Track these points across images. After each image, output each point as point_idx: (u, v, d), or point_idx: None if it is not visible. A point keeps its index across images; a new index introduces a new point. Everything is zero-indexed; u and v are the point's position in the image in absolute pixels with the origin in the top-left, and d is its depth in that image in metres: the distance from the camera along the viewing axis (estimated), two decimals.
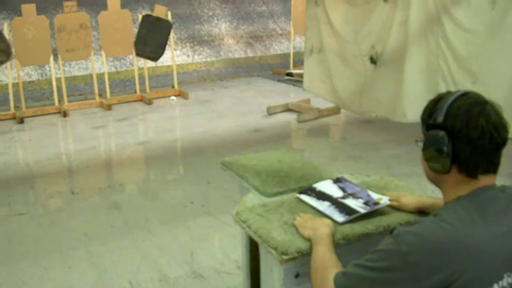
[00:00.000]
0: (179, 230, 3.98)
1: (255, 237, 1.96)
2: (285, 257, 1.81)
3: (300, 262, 1.85)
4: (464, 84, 4.52)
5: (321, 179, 2.43)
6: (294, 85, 8.61)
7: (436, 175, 1.65)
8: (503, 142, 1.55)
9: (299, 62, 9.23)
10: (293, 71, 9.11)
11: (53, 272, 3.47)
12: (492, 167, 1.57)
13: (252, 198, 2.28)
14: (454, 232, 1.46)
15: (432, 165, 1.63)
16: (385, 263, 1.49)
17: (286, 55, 9.96)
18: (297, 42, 9.97)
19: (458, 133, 1.54)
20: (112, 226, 4.08)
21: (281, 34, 10.60)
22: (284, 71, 9.41)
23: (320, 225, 1.90)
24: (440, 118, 1.57)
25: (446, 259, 1.42)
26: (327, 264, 1.71)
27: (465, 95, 1.59)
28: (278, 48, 10.43)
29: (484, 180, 1.57)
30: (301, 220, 1.98)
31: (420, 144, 1.68)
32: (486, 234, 1.46)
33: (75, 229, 4.06)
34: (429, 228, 1.49)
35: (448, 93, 1.63)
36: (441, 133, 1.56)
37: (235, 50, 10.05)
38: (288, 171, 2.52)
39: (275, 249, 1.84)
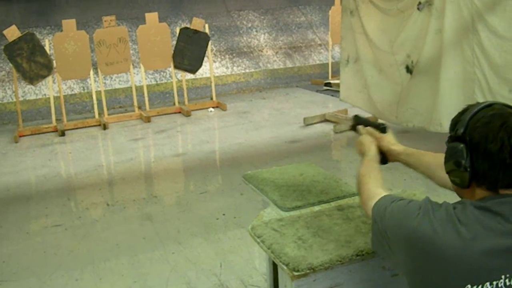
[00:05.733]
0: (209, 242, 3.99)
1: (268, 253, 1.95)
2: (296, 273, 1.79)
3: (312, 279, 1.83)
4: (501, 93, 4.40)
5: (342, 193, 2.40)
6: (332, 95, 8.56)
7: (457, 188, 1.61)
8: None
9: (337, 72, 9.15)
10: (332, 81, 9.05)
11: (84, 283, 3.53)
12: None
13: (270, 213, 2.27)
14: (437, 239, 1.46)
15: (452, 178, 1.59)
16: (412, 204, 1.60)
17: (325, 65, 9.92)
18: (335, 52, 9.90)
19: (477, 146, 1.49)
20: (144, 238, 4.13)
21: (320, 45, 10.57)
22: (322, 81, 9.37)
23: (367, 144, 2.15)
24: (460, 130, 1.53)
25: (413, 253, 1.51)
26: (366, 181, 1.89)
27: (490, 106, 1.54)
28: (317, 58, 10.40)
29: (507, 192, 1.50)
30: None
31: None
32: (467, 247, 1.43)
33: (108, 240, 4.13)
34: (437, 220, 1.49)
35: (476, 104, 1.58)
36: (461, 145, 1.52)
37: (274, 61, 10.07)
38: (309, 185, 2.50)
39: (287, 265, 1.82)
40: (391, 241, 1.60)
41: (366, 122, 2.26)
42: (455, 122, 1.59)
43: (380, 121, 6.53)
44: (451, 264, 1.43)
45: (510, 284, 1.41)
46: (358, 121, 2.30)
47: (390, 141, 2.16)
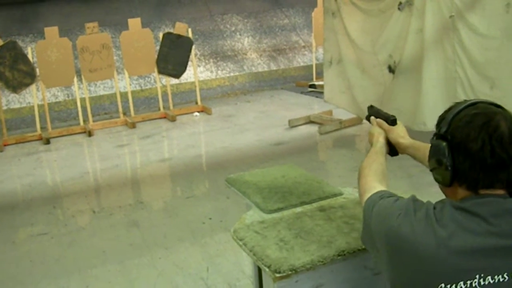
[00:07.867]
0: (196, 247, 3.99)
1: (251, 255, 1.95)
2: (278, 275, 1.80)
3: (295, 280, 1.84)
4: (482, 90, 4.44)
5: (324, 194, 2.42)
6: (317, 96, 8.58)
7: (441, 186, 1.61)
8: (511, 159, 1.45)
9: (321, 74, 9.17)
10: (316, 83, 9.07)
11: None
12: (497, 184, 1.47)
13: (252, 215, 2.28)
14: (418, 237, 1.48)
15: (435, 176, 1.59)
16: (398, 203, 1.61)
17: (309, 67, 9.95)
18: (319, 54, 9.90)
19: (458, 145, 1.48)
20: (131, 244, 4.12)
21: (303, 46, 10.61)
22: (307, 83, 9.40)
23: (376, 135, 2.14)
24: (443, 129, 1.53)
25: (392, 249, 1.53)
26: (366, 173, 1.90)
27: (474, 105, 1.53)
28: (301, 60, 10.43)
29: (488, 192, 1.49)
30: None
31: None
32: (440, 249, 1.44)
33: (94, 247, 4.11)
34: (421, 221, 1.50)
35: (462, 102, 1.57)
36: (443, 144, 1.51)
37: (258, 64, 10.09)
38: (291, 187, 2.51)
39: (269, 267, 1.83)
40: (374, 238, 1.62)
41: (377, 113, 2.26)
42: (440, 120, 1.59)
43: None
44: (426, 262, 1.44)
45: (484, 284, 1.40)
46: (371, 112, 2.32)
47: (399, 133, 2.14)
